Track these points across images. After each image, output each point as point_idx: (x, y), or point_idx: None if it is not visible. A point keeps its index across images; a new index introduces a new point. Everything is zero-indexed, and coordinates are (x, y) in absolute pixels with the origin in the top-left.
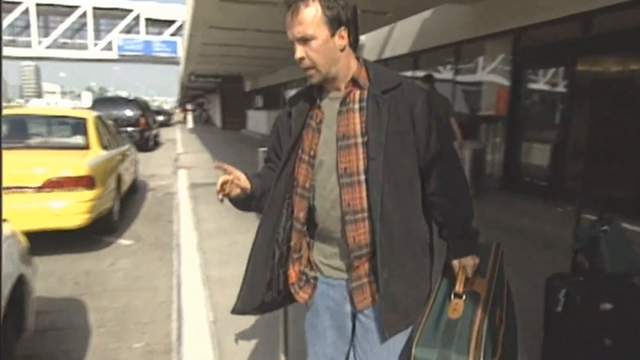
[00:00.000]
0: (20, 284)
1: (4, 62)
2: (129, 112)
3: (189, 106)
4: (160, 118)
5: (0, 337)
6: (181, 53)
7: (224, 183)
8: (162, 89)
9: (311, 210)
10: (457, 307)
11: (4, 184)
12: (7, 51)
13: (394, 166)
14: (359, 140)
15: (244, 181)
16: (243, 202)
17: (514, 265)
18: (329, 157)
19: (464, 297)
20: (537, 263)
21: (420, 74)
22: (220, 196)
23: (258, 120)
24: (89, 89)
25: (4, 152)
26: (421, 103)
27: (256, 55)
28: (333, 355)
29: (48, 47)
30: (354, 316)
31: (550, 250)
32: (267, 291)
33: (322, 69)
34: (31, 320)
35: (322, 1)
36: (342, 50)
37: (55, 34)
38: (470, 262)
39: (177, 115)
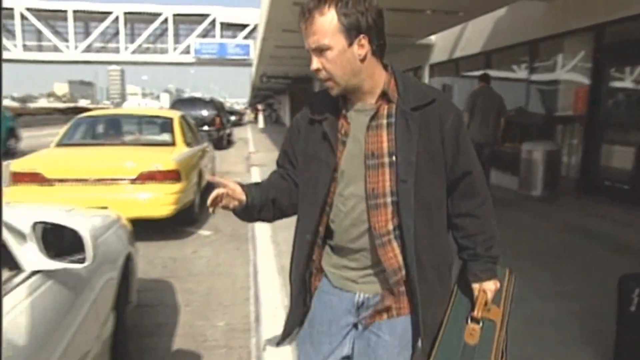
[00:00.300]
0: (128, 261)
1: (99, 67)
2: (205, 112)
3: (259, 106)
4: (233, 118)
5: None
6: (253, 55)
7: (217, 196)
8: (233, 90)
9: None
10: (473, 333)
11: (103, 176)
12: (98, 57)
13: (425, 187)
14: (386, 160)
15: (238, 194)
16: (244, 213)
17: (589, 268)
18: (354, 174)
19: (481, 323)
20: (613, 267)
21: (491, 73)
22: (210, 209)
23: None
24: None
25: (104, 148)
26: (452, 121)
27: None
28: None
29: (133, 52)
30: (354, 328)
31: (630, 255)
32: (305, 305)
33: (341, 80)
34: (134, 295)
35: (338, 8)
36: (362, 60)
37: (139, 40)
38: (491, 286)
39: (248, 115)
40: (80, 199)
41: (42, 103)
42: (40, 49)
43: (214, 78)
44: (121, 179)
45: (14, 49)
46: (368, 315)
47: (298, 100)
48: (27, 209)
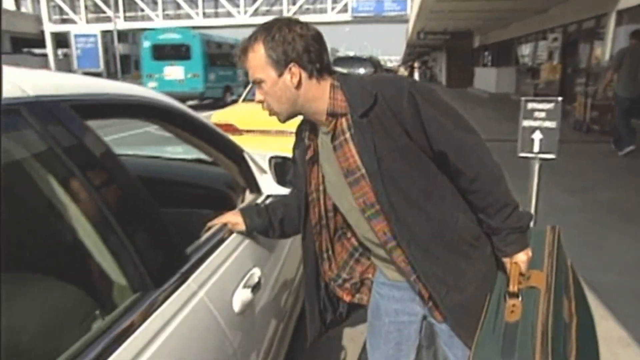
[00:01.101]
0: None
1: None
2: (362, 70)
3: (415, 64)
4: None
5: None
6: (411, 11)
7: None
8: (386, 48)
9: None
10: (514, 309)
11: (283, 128)
12: (264, 20)
13: (404, 187)
14: (363, 171)
15: (238, 225)
16: (249, 235)
17: None
18: (341, 192)
19: (520, 296)
20: None
21: None
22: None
23: (486, 78)
24: None
25: None
26: (406, 108)
27: (490, 9)
28: (397, 357)
29: (294, 13)
30: (424, 318)
31: None
32: (322, 316)
33: (280, 109)
34: None
35: (265, 43)
36: (297, 87)
37: (301, 1)
38: (522, 257)
39: (400, 73)
40: (265, 147)
41: None
42: (217, 15)
43: (367, 36)
44: None
45: (196, 17)
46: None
47: (456, 56)
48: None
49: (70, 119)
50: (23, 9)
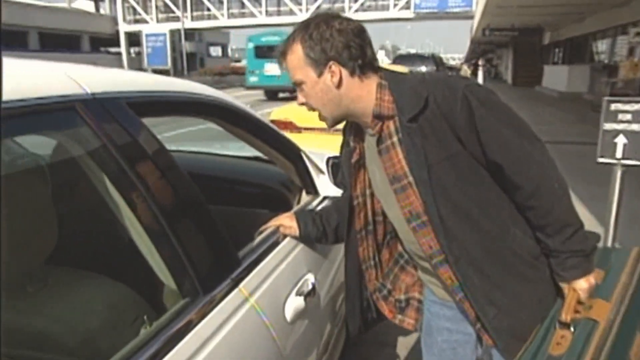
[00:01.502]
0: None
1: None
2: (424, 68)
3: (480, 61)
4: (449, 74)
5: None
6: (477, 7)
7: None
8: (449, 45)
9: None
10: (561, 341)
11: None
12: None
13: (455, 199)
14: (410, 179)
15: (293, 230)
16: (302, 240)
17: None
18: (388, 199)
19: (572, 327)
20: None
21: None
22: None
23: (556, 76)
24: (382, 47)
25: None
26: (460, 113)
27: (563, 2)
28: None
29: (356, 11)
30: (479, 337)
31: None
32: (363, 315)
33: (324, 112)
34: None
35: (303, 42)
36: (338, 86)
37: None
38: (582, 284)
39: (464, 71)
40: (322, 145)
41: None
42: (279, 13)
43: (429, 33)
44: None
45: (259, 15)
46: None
47: (523, 53)
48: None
49: (127, 116)
50: (102, 11)
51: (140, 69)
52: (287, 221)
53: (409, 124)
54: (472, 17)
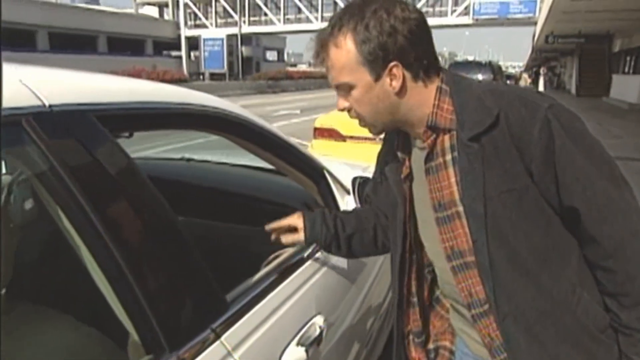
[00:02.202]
0: None
1: None
2: (480, 76)
3: (542, 70)
4: (508, 82)
5: None
6: (540, 12)
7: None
8: (509, 53)
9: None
10: None
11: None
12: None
13: (513, 243)
14: (460, 209)
15: (294, 237)
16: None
17: None
18: (427, 228)
19: None
20: None
21: None
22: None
23: (627, 87)
24: (439, 54)
25: None
26: (537, 134)
27: (637, 7)
28: None
29: None
30: None
31: None
32: None
33: (374, 122)
34: None
35: (356, 34)
36: (398, 92)
37: (419, 4)
38: None
39: (524, 80)
40: (367, 155)
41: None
42: (299, 20)
43: (488, 40)
44: None
45: (315, 21)
46: None
47: (590, 62)
48: (339, 163)
49: (93, 133)
50: (165, 16)
51: (198, 72)
52: (293, 221)
53: (470, 142)
54: (535, 23)
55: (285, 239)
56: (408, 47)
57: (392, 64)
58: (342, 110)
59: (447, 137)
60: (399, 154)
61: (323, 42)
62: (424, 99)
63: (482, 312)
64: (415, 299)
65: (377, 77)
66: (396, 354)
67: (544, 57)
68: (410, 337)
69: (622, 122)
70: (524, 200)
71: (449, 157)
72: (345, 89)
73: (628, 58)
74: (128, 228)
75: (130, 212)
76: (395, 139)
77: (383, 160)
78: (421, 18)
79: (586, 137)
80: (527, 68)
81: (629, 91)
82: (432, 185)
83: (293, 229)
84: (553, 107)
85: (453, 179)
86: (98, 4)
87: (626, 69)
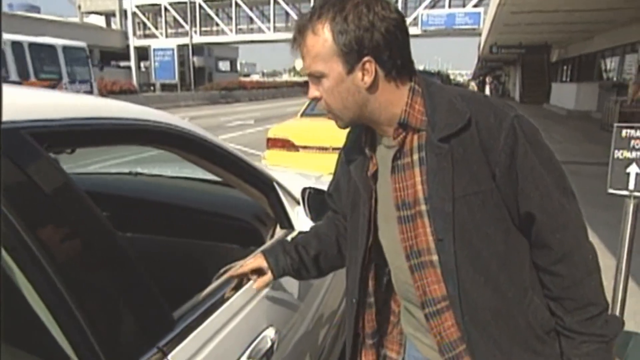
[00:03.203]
0: None
1: None
2: None
3: (487, 79)
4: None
5: None
6: (484, 24)
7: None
8: (457, 62)
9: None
10: None
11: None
12: None
13: (476, 244)
14: (424, 207)
15: (261, 278)
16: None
17: None
18: (388, 227)
19: None
20: None
21: None
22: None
23: (564, 94)
24: None
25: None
26: (503, 145)
27: (572, 21)
28: None
29: None
30: None
31: None
32: None
33: (341, 114)
34: None
35: (334, 24)
36: (369, 88)
37: None
38: None
39: (471, 88)
40: (321, 165)
41: (285, 77)
42: (287, 29)
43: (437, 49)
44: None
45: (267, 31)
46: None
47: (531, 71)
48: (291, 173)
49: (25, 151)
50: (113, 26)
51: (149, 83)
52: (254, 264)
53: (440, 143)
54: (479, 35)
55: (257, 285)
56: (383, 44)
57: (365, 58)
58: (312, 99)
59: (415, 137)
60: (367, 151)
61: (301, 27)
62: (394, 99)
63: (434, 310)
64: (372, 299)
65: (350, 70)
66: (350, 357)
67: (489, 66)
68: (365, 339)
69: (561, 128)
70: (488, 204)
71: (416, 156)
72: (317, 78)
73: (565, 67)
74: (63, 247)
75: (65, 230)
76: (363, 135)
77: (346, 156)
78: (400, 19)
79: (544, 149)
80: (475, 76)
81: (567, 98)
82: (397, 183)
83: (258, 271)
84: (519, 117)
85: (419, 178)
86: (39, 12)
87: (564, 78)
